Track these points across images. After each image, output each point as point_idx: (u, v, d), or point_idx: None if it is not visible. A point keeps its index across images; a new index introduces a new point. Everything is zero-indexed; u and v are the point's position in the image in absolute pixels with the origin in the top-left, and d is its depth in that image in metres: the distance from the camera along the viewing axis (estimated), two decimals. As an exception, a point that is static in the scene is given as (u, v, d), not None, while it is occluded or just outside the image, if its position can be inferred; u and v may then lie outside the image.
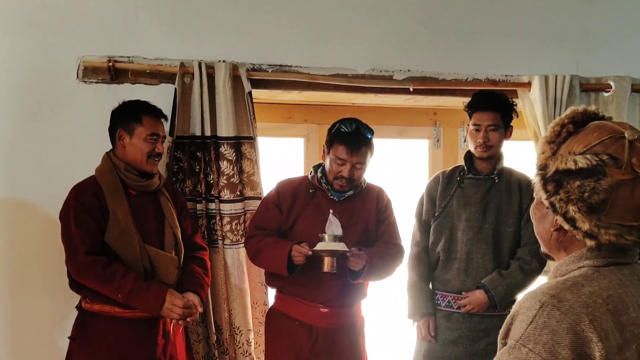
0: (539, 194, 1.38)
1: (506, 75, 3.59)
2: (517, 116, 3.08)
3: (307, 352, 2.88)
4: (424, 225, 3.14)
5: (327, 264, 2.76)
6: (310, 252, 2.75)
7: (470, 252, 2.99)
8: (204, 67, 3.13)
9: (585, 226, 1.30)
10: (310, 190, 2.95)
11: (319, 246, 2.76)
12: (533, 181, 1.42)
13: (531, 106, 3.55)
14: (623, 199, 1.29)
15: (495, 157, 3.04)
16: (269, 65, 3.31)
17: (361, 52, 3.43)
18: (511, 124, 3.05)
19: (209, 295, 3.14)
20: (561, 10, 3.70)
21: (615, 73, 3.66)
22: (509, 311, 3.22)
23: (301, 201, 2.94)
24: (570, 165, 1.31)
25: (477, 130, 2.98)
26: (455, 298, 3.02)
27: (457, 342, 3.00)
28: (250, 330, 3.23)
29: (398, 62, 3.46)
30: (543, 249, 1.49)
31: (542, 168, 1.37)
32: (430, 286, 3.13)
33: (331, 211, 2.79)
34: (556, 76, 3.53)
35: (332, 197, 2.91)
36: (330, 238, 2.75)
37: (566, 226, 1.34)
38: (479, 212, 3.00)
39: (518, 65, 3.62)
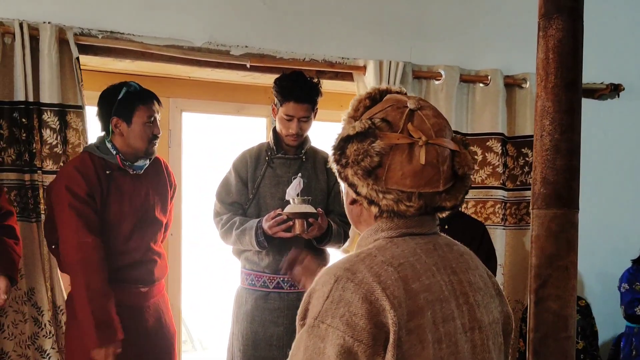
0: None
1: (343, 58, 3.64)
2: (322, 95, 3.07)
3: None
4: (232, 205, 3.06)
5: (298, 226, 2.83)
6: (285, 216, 2.83)
7: None
8: (26, 28, 2.94)
9: (364, 190, 1.32)
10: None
11: (289, 209, 2.86)
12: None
13: (365, 90, 3.61)
14: (399, 163, 1.31)
15: None
16: (100, 31, 3.15)
17: (198, 24, 3.34)
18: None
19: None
20: (399, -1, 3.81)
21: (446, 63, 3.80)
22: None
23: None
24: (350, 131, 1.34)
25: (289, 120, 2.98)
26: (271, 278, 3.00)
27: (277, 322, 2.99)
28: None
29: (235, 38, 3.40)
30: (356, 230, 1.50)
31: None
32: (244, 266, 3.10)
33: (299, 174, 2.91)
34: (390, 62, 3.62)
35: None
36: (300, 200, 2.86)
37: (353, 194, 1.36)
38: None
39: (355, 48, 3.67)
